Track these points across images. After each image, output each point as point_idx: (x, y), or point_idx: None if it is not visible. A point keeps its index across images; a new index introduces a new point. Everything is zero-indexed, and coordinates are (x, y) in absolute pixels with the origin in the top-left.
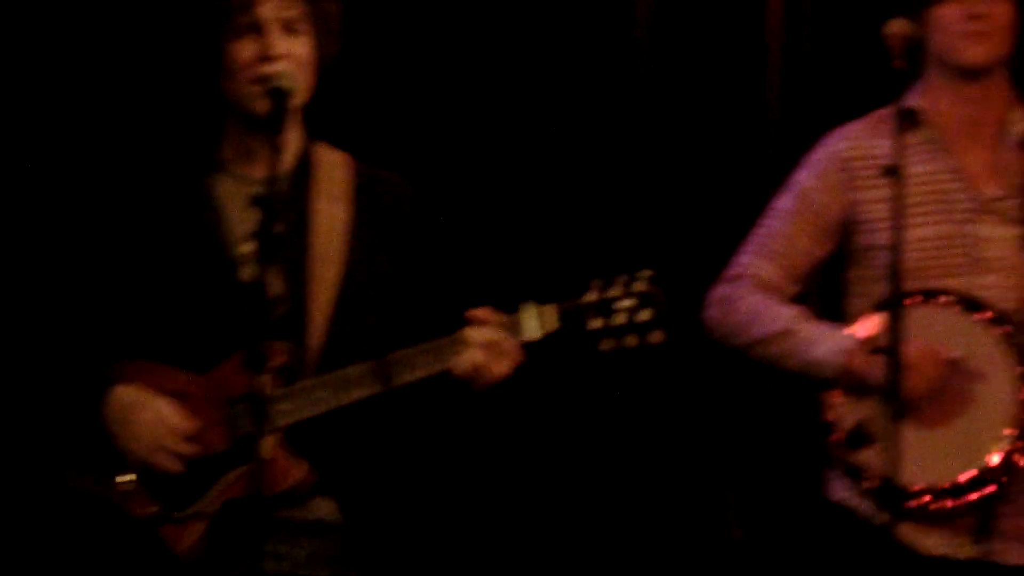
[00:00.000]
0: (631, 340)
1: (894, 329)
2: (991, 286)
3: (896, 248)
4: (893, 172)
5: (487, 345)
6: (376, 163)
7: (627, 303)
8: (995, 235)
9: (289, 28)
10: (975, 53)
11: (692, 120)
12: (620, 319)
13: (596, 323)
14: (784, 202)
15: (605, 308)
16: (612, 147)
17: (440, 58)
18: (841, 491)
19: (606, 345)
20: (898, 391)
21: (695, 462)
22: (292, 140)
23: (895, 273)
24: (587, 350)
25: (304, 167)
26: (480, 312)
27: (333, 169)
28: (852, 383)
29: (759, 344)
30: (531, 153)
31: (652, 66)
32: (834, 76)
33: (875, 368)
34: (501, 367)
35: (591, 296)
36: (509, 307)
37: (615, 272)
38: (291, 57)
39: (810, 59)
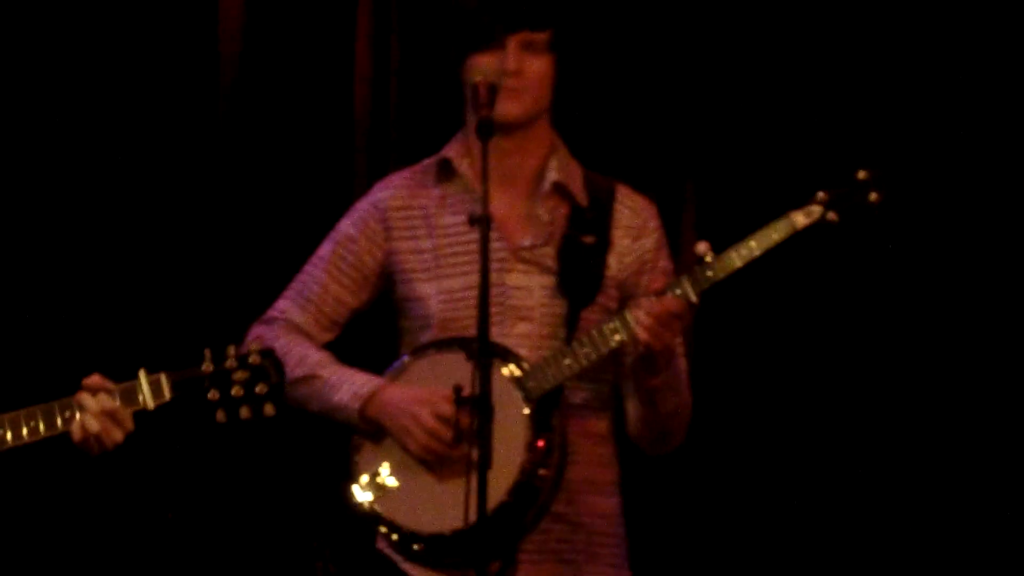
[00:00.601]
0: (245, 412)
1: (483, 379)
2: (523, 335)
3: (482, 295)
4: (479, 221)
5: (103, 413)
6: None
7: (242, 375)
8: (527, 284)
9: None
10: (508, 110)
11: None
12: (236, 391)
13: (212, 394)
14: (324, 249)
15: (221, 380)
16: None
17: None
18: (381, 540)
19: (221, 416)
20: (484, 438)
21: (284, 512)
22: None
23: (483, 320)
24: (202, 419)
25: None
26: (95, 379)
27: None
28: (368, 428)
29: (287, 386)
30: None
31: (234, 138)
32: (422, 129)
33: (388, 415)
34: (116, 435)
35: (206, 367)
36: (123, 375)
37: (221, 341)
38: None
39: (397, 116)
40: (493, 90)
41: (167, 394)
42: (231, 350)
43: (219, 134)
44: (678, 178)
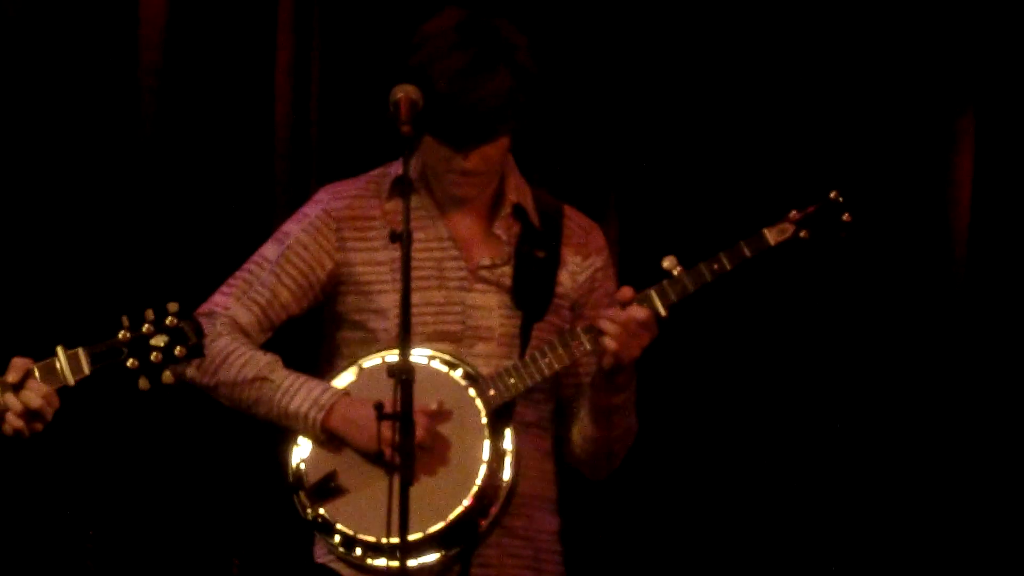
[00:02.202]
0: (167, 377)
1: (405, 395)
2: (482, 355)
3: (404, 311)
4: (399, 237)
5: (26, 411)
6: None
7: (160, 340)
8: (487, 304)
9: None
10: (464, 193)
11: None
12: (155, 356)
13: (131, 363)
14: (270, 251)
15: (139, 346)
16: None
17: None
18: (322, 553)
19: (144, 384)
20: (408, 456)
21: (199, 525)
22: None
23: (404, 336)
24: (127, 389)
25: None
26: (17, 361)
27: None
28: (328, 438)
29: (229, 386)
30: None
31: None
32: (342, 142)
33: (351, 425)
34: (47, 416)
35: (123, 335)
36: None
37: (142, 306)
38: None
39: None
40: (414, 107)
41: (86, 368)
42: (149, 314)
43: (142, 142)
44: (601, 190)
